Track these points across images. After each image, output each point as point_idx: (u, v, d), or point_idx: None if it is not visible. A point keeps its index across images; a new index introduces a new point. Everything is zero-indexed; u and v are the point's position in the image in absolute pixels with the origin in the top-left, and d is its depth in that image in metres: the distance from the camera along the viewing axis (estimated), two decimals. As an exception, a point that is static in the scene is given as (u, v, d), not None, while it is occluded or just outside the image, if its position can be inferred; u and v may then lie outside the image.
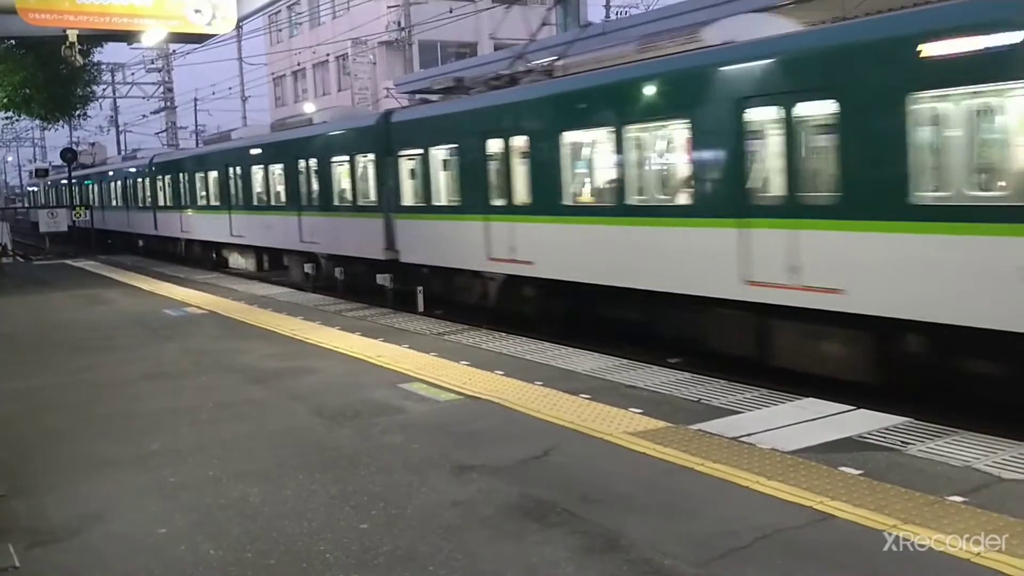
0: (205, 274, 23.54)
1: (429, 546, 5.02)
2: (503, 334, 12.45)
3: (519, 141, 12.70)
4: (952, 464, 6.12)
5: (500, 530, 5.24)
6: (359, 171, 17.21)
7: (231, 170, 23.25)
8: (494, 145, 13.16)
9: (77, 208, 35.25)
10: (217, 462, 6.76)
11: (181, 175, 27.41)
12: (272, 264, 22.22)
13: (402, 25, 36.43)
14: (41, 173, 53.92)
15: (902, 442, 6.66)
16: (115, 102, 53.65)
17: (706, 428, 7.14)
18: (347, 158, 17.48)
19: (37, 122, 37.39)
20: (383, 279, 16.71)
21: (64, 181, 40.74)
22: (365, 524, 5.40)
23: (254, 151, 21.95)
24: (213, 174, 24.81)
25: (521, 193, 12.75)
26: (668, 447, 6.64)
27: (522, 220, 12.66)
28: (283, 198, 20.43)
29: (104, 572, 4.94)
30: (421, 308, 15.49)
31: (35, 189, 59.67)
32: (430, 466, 6.46)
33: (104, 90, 43.31)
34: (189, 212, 26.93)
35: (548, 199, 12.19)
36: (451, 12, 29.74)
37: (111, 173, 36.87)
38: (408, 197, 15.58)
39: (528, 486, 5.93)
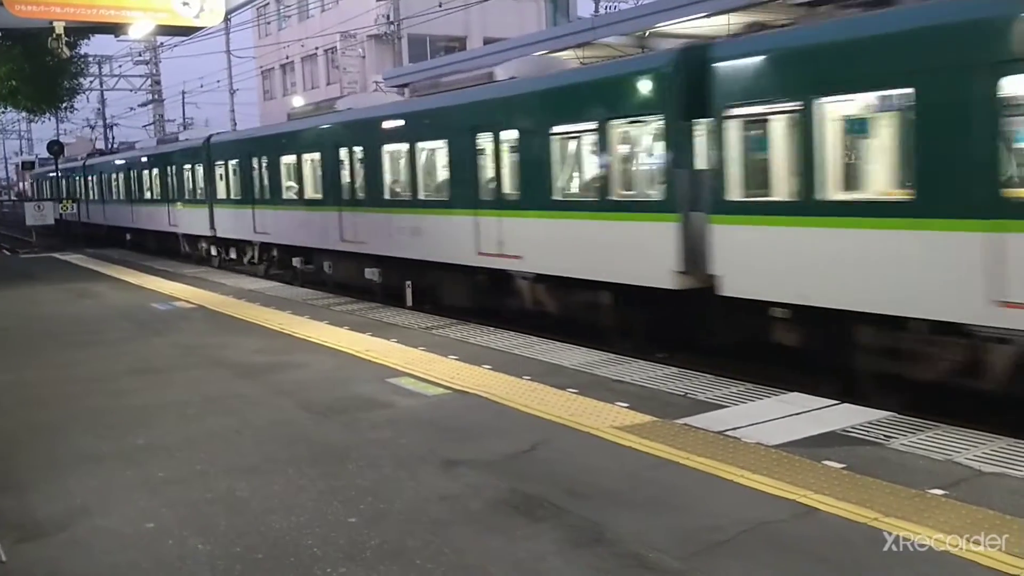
0: (193, 268, 23.47)
1: (417, 540, 5.05)
2: (491, 328, 12.48)
3: None
4: (934, 458, 6.19)
5: (488, 524, 5.28)
6: (615, 146, 11.28)
7: (343, 152, 17.13)
8: None
9: (64, 201, 35.09)
10: (205, 457, 6.77)
11: (256, 161, 21.06)
12: (386, 279, 16.33)
13: (391, 19, 36.39)
14: (28, 166, 53.72)
15: (885, 436, 6.73)
16: (102, 94, 53.44)
17: (692, 422, 7.19)
18: (590, 127, 11.41)
19: (23, 114, 37.36)
20: (372, 273, 16.62)
21: (73, 171, 39.49)
22: (353, 518, 5.42)
23: (389, 125, 15.76)
24: (312, 158, 18.57)
25: None
26: (654, 441, 6.69)
27: None
28: (445, 190, 14.49)
29: (91, 567, 4.95)
30: (409, 303, 15.49)
31: (28, 182, 59.14)
32: (418, 461, 6.49)
33: (91, 82, 43.12)
34: (271, 208, 20.53)
35: None
36: (440, 6, 29.67)
37: (144, 160, 30.10)
38: (742, 186, 9.51)
39: (516, 481, 5.96)
